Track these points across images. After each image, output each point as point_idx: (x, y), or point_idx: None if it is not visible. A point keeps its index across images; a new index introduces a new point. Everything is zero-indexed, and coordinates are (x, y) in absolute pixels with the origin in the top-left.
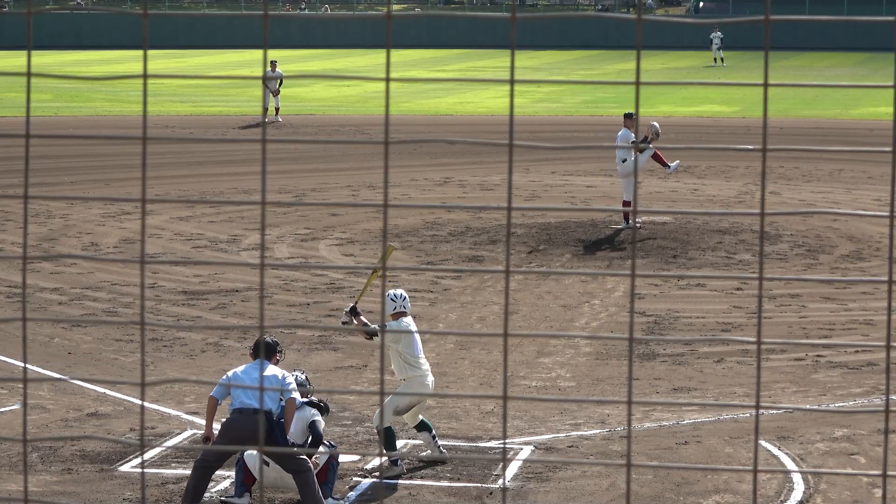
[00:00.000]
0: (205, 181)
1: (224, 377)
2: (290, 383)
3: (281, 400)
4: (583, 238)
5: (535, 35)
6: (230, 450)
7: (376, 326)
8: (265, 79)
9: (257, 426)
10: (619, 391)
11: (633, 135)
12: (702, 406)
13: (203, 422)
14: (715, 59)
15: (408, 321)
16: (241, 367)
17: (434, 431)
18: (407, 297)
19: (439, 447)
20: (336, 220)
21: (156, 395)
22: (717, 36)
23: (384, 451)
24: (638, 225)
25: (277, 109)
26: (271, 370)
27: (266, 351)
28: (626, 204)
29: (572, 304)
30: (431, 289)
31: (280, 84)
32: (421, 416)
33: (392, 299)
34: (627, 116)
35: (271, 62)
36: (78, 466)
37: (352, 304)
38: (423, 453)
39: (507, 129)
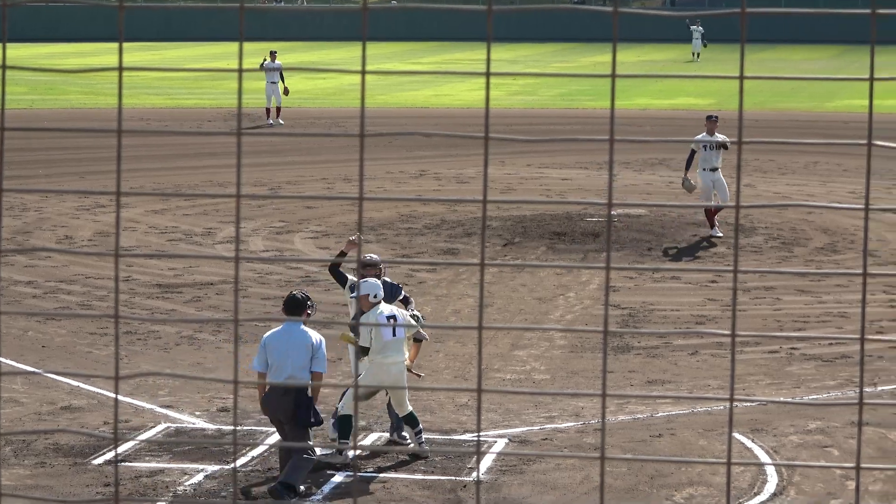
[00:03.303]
0: (180, 174)
1: (262, 342)
2: (321, 353)
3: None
4: (558, 231)
5: (511, 28)
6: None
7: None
8: (265, 70)
9: (287, 406)
10: (594, 384)
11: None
12: (676, 399)
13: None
14: (693, 54)
15: (383, 308)
16: (278, 330)
17: (420, 427)
18: (380, 284)
19: (422, 442)
20: (311, 213)
21: (130, 389)
22: (697, 30)
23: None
24: (614, 219)
25: (279, 110)
26: (306, 334)
27: (296, 307)
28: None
29: (547, 296)
30: (406, 282)
31: (282, 78)
32: (410, 409)
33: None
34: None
35: (270, 52)
36: (51, 460)
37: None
38: (409, 444)
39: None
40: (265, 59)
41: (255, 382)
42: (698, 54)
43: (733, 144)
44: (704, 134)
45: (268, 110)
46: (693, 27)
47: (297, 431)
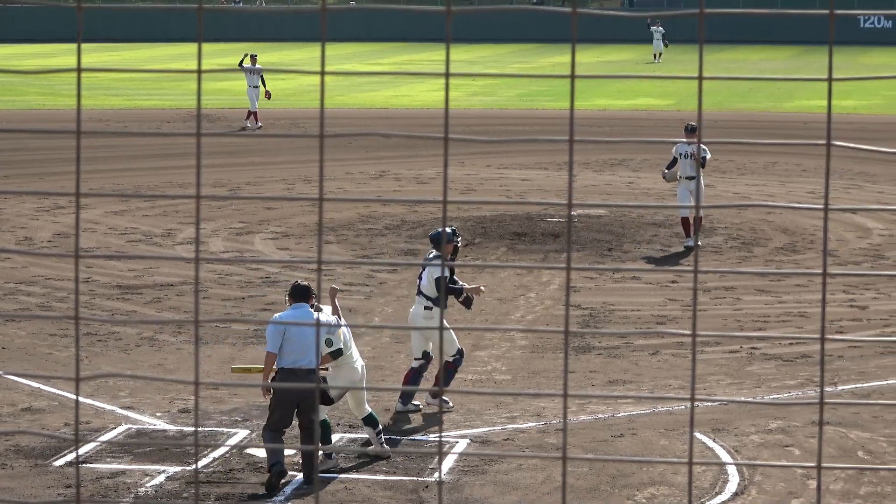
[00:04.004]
0: (139, 175)
1: (272, 325)
2: (333, 333)
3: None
4: (518, 231)
5: (470, 28)
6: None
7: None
8: (246, 72)
9: (310, 389)
10: (555, 384)
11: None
12: (637, 399)
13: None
14: (654, 55)
15: (327, 311)
16: (287, 312)
17: (380, 427)
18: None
19: (382, 443)
20: (271, 214)
21: (90, 390)
22: (658, 30)
23: (320, 445)
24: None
25: (256, 114)
26: (319, 316)
27: (302, 294)
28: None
29: (508, 297)
30: (367, 282)
31: (263, 82)
32: (369, 410)
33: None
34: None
35: (251, 56)
36: (12, 461)
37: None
38: (368, 448)
39: (443, 123)
40: (243, 59)
41: (266, 371)
42: (660, 55)
43: (692, 145)
44: (683, 143)
45: (255, 115)
46: (653, 28)
47: (314, 412)
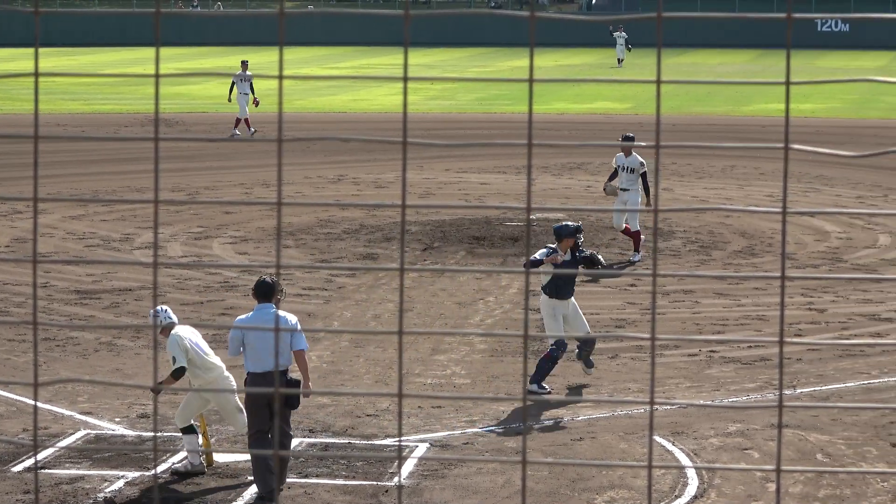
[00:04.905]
0: (98, 180)
1: (234, 328)
2: (299, 330)
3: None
4: (477, 235)
5: (428, 32)
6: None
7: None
8: (237, 79)
9: (282, 387)
10: (514, 388)
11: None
12: (596, 402)
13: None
14: (618, 60)
15: (183, 330)
16: (250, 315)
17: (200, 439)
18: (168, 309)
19: (199, 454)
20: (230, 219)
21: (49, 395)
22: (620, 35)
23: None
24: (533, 222)
25: (248, 121)
26: (282, 316)
27: (266, 292)
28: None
29: (467, 301)
30: (326, 287)
31: (251, 89)
32: (193, 420)
33: (154, 315)
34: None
35: (242, 62)
36: None
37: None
38: (178, 464)
39: (401, 127)
40: (238, 71)
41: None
42: (622, 60)
43: (650, 149)
44: (621, 154)
45: (246, 121)
46: (616, 33)
47: (286, 413)
